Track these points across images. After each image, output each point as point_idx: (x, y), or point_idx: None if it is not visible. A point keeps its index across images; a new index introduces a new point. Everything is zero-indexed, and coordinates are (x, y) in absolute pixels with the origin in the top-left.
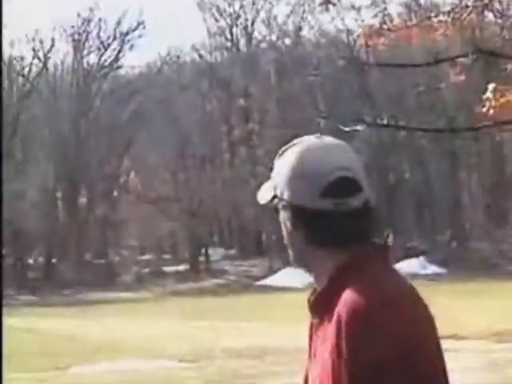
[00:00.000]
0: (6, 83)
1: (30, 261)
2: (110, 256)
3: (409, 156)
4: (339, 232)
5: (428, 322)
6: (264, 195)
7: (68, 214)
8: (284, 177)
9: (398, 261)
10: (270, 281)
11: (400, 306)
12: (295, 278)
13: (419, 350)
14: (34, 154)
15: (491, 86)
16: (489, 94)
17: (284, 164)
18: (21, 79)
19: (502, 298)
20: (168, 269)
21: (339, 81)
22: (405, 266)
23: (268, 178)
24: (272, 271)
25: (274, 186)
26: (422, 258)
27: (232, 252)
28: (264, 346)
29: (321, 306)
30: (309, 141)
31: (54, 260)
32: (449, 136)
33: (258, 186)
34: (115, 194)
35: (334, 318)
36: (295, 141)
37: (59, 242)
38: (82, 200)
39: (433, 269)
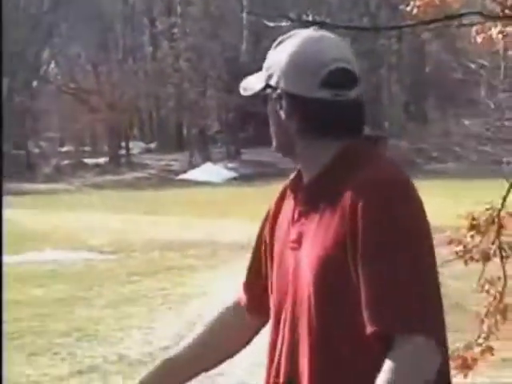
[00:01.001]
0: None
1: None
2: (30, 147)
3: None
4: (335, 122)
5: None
6: (252, 85)
7: None
8: (282, 66)
9: None
10: (190, 175)
11: (414, 189)
12: (215, 173)
13: (430, 236)
14: None
15: None
16: None
17: (282, 54)
18: None
19: (422, 196)
20: (88, 161)
21: None
22: None
23: (190, 71)
24: (192, 166)
25: (269, 76)
26: None
27: (153, 146)
28: (184, 239)
29: (316, 192)
30: (307, 33)
31: None
32: (371, 34)
33: (180, 80)
34: (35, 84)
35: (346, 201)
36: (292, 32)
37: None
38: (2, 90)
39: None
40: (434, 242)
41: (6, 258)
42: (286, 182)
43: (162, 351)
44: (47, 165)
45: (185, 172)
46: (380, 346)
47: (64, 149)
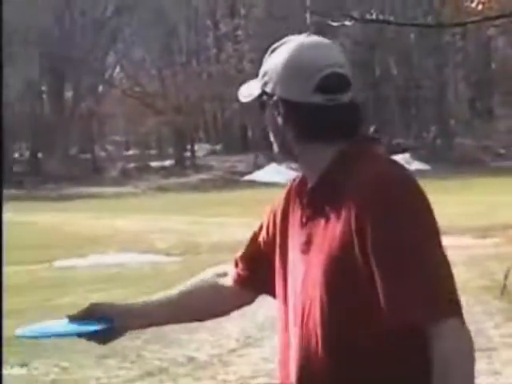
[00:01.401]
0: None
1: (16, 155)
2: (96, 151)
3: (395, 52)
4: (330, 126)
5: None
6: (249, 92)
7: (53, 109)
8: (277, 73)
9: None
10: (255, 176)
11: (417, 184)
12: (280, 173)
13: (438, 228)
14: (18, 48)
15: None
16: None
17: (276, 60)
18: None
19: (485, 194)
20: (154, 164)
21: None
22: None
23: (254, 72)
24: (257, 167)
25: (264, 83)
26: (406, 155)
27: (218, 148)
28: None
29: (319, 196)
30: (300, 39)
31: (39, 154)
32: (436, 32)
33: (244, 82)
34: (100, 88)
35: (351, 201)
36: (285, 39)
37: (45, 137)
38: (68, 94)
39: (417, 165)
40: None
41: (70, 262)
42: (291, 183)
43: (230, 353)
44: (113, 168)
45: (250, 173)
46: (404, 338)
47: (130, 152)
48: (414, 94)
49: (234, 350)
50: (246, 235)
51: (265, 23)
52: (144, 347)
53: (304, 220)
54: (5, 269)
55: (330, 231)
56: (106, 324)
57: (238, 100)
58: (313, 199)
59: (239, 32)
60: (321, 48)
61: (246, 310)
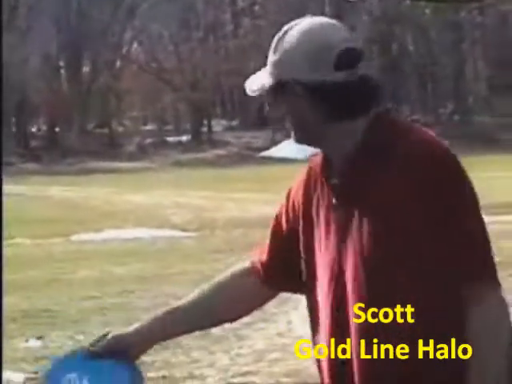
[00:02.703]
0: None
1: (33, 129)
2: (113, 126)
3: (412, 28)
4: (355, 101)
5: None
6: (261, 82)
7: (71, 83)
8: (293, 58)
9: None
10: (272, 152)
11: (456, 157)
12: (297, 149)
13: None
14: (37, 22)
15: None
16: None
17: (289, 48)
18: None
19: (503, 171)
20: (170, 139)
21: None
22: None
23: (269, 48)
24: (274, 143)
25: (279, 71)
26: None
27: (234, 123)
28: (267, 216)
29: (355, 173)
30: (307, 21)
31: (57, 129)
32: (453, 7)
33: (262, 57)
34: (118, 64)
35: (400, 177)
36: (292, 23)
37: (62, 111)
38: (85, 69)
39: None
40: None
41: (87, 236)
42: (310, 166)
43: (245, 327)
44: (130, 143)
45: (266, 149)
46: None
47: (147, 127)
48: (431, 70)
49: (248, 324)
50: (261, 211)
51: None
52: None
53: (335, 201)
54: (24, 241)
55: (375, 208)
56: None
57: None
58: (347, 177)
59: (256, 7)
60: (329, 26)
61: None
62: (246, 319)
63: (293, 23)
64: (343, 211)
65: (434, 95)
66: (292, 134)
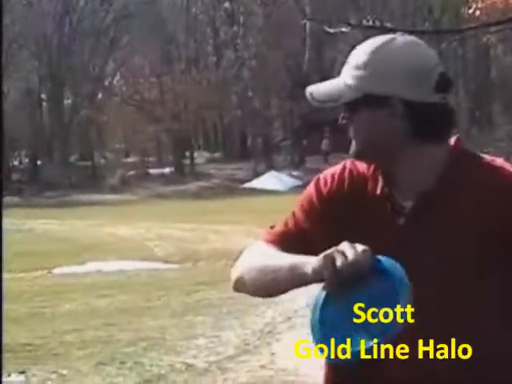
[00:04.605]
0: None
1: (15, 162)
2: (95, 158)
3: None
4: (445, 126)
5: None
6: (339, 95)
7: (53, 116)
8: (394, 73)
9: None
10: (255, 184)
11: None
12: (279, 181)
13: None
14: (17, 55)
15: None
16: None
17: (390, 61)
18: None
19: None
20: (153, 171)
21: None
22: None
23: (252, 81)
24: (257, 174)
25: (371, 85)
26: None
27: (217, 155)
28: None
29: (436, 198)
30: (401, 39)
31: (38, 162)
32: (434, 39)
33: (244, 89)
34: (100, 96)
35: (487, 204)
36: (380, 40)
37: (44, 144)
38: (67, 102)
39: None
40: None
41: (70, 269)
42: (353, 169)
43: (228, 360)
44: (113, 176)
45: (249, 181)
46: None
47: (129, 159)
48: None
49: (232, 357)
50: (244, 243)
51: (263, 31)
52: (142, 354)
53: (403, 222)
54: (4, 276)
55: (454, 233)
56: None
57: (237, 108)
58: (427, 201)
59: (238, 40)
60: (424, 47)
61: (244, 317)
62: (229, 352)
63: (382, 40)
64: (411, 232)
65: None
66: (355, 149)
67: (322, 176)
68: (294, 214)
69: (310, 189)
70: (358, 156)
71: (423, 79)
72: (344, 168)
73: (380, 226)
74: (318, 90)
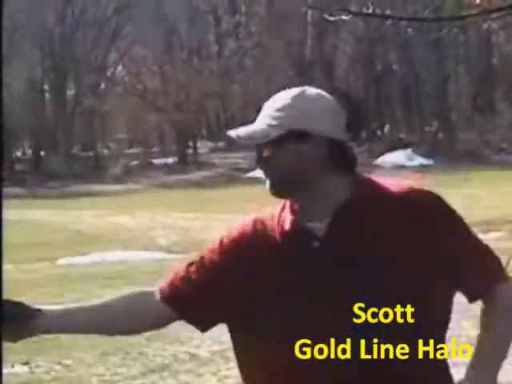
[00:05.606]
0: None
1: (18, 153)
2: (98, 149)
3: (396, 47)
4: (350, 159)
5: None
6: (261, 133)
7: (55, 107)
8: (317, 112)
9: (386, 153)
10: (258, 173)
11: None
12: None
13: None
14: (20, 46)
15: None
16: None
17: (312, 102)
18: None
19: (488, 188)
20: (156, 161)
21: None
22: (392, 158)
23: (255, 69)
24: None
25: (294, 122)
26: (408, 150)
27: (220, 145)
28: None
29: (346, 224)
30: (311, 89)
31: (42, 153)
32: (436, 26)
33: (246, 78)
34: (102, 86)
35: (406, 220)
36: (294, 89)
37: (47, 135)
38: (70, 93)
39: (420, 160)
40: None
41: (73, 259)
42: (257, 220)
43: (231, 349)
44: (116, 166)
45: (252, 170)
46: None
47: (132, 150)
48: (415, 88)
49: None
50: None
51: (265, 20)
52: (146, 344)
53: (318, 245)
54: (7, 267)
55: (380, 252)
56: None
57: (239, 97)
58: (337, 228)
59: (240, 29)
60: (330, 96)
61: None
62: None
63: (296, 89)
64: (328, 251)
65: (418, 114)
66: (272, 182)
67: (227, 232)
68: (198, 263)
69: (214, 244)
70: (279, 188)
71: (339, 120)
72: (250, 220)
73: (295, 254)
74: (243, 132)
